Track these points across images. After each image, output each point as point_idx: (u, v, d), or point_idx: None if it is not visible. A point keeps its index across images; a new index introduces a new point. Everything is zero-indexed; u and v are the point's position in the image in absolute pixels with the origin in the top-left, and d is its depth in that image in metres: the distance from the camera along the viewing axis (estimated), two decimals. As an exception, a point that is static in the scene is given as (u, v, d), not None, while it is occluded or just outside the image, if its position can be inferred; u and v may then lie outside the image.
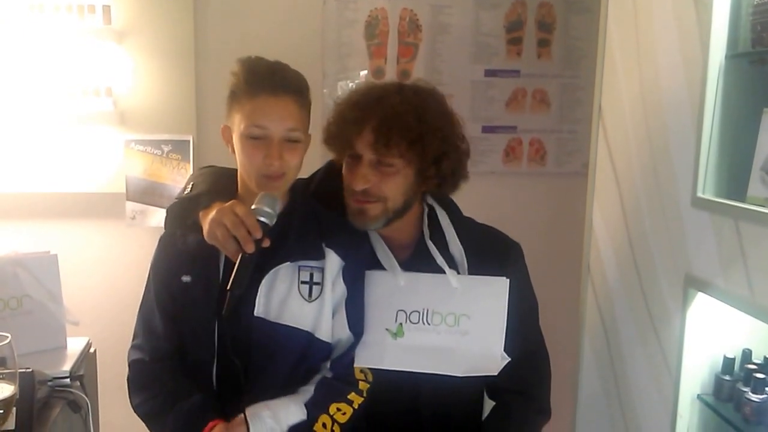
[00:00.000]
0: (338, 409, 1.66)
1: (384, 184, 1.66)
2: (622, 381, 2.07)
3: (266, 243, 1.54)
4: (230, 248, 1.53)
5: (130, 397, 1.72)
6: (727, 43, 1.62)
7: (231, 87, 1.62)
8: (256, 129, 1.56)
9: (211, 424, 1.58)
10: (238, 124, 1.59)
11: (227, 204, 1.57)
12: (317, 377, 1.69)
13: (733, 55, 1.62)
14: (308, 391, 1.66)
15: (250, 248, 1.51)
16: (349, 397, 1.69)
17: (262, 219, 1.54)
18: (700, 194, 1.67)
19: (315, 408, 1.64)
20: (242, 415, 1.58)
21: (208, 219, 1.57)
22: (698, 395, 1.77)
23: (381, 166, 1.66)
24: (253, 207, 1.55)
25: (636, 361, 2.00)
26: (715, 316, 1.71)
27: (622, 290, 2.08)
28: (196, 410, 1.62)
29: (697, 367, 1.76)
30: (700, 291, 1.68)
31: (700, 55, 1.67)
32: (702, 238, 1.67)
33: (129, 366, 1.74)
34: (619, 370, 2.09)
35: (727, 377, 1.71)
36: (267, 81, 1.57)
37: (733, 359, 1.72)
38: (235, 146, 1.63)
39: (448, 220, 1.81)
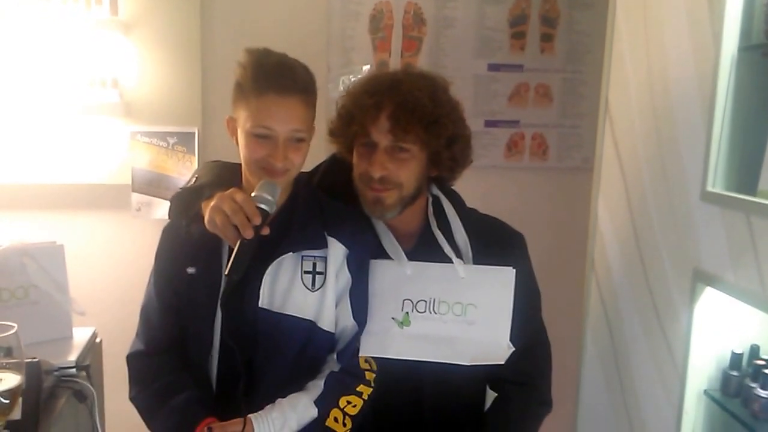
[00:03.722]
0: (348, 402, 1.66)
1: (400, 171, 1.67)
2: (626, 376, 2.07)
3: (266, 231, 1.54)
4: (229, 235, 1.53)
5: (129, 390, 1.72)
6: (739, 35, 1.61)
7: (237, 78, 1.60)
8: (262, 129, 1.55)
9: (205, 420, 1.58)
10: (243, 121, 1.58)
11: (227, 191, 1.57)
12: (325, 372, 1.69)
13: (746, 47, 1.61)
14: (317, 386, 1.66)
15: (249, 234, 1.50)
16: (358, 389, 1.69)
17: (262, 206, 1.54)
18: (710, 188, 1.67)
19: (325, 403, 1.64)
20: (247, 416, 1.57)
21: (208, 207, 1.57)
22: (705, 391, 1.76)
23: (396, 152, 1.66)
24: (253, 194, 1.55)
25: (640, 356, 1.99)
26: (723, 311, 1.71)
27: (627, 285, 2.08)
28: (190, 406, 1.61)
29: (704, 363, 1.75)
30: (709, 285, 1.68)
31: (712, 47, 1.66)
32: (711, 233, 1.67)
33: (127, 359, 1.74)
34: (622, 365, 2.09)
35: (734, 373, 1.71)
36: (275, 80, 1.55)
37: (741, 354, 1.71)
38: (239, 140, 1.63)
39: (453, 210, 1.81)
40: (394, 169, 1.67)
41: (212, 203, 1.56)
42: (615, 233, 2.15)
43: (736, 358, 1.72)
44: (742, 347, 1.73)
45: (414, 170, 1.69)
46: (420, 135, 1.64)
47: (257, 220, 1.52)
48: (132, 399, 1.71)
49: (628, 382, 2.06)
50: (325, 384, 1.65)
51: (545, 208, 3.14)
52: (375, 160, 1.66)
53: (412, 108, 1.62)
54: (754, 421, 1.63)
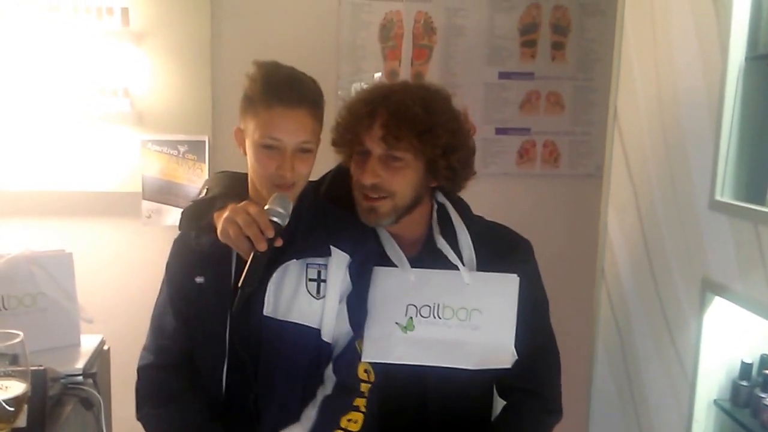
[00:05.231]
0: (349, 420, 1.66)
1: (393, 179, 1.67)
2: (637, 385, 2.06)
3: (278, 242, 1.55)
4: (243, 246, 1.54)
5: (136, 407, 1.73)
6: (747, 45, 1.60)
7: (246, 91, 1.62)
8: (270, 140, 1.58)
9: None
10: (252, 132, 1.60)
11: (241, 203, 1.58)
12: (318, 397, 1.68)
13: (754, 57, 1.60)
14: (310, 417, 1.66)
15: (263, 247, 1.52)
16: (354, 404, 1.68)
17: (275, 219, 1.55)
18: (718, 197, 1.66)
19: (325, 429, 1.64)
20: None
21: (221, 218, 1.58)
22: (715, 400, 1.75)
23: (390, 161, 1.67)
24: (266, 207, 1.57)
25: (651, 366, 1.98)
26: (732, 321, 1.69)
27: (636, 294, 2.06)
28: None
29: (713, 372, 1.74)
30: (717, 295, 1.66)
31: (719, 56, 1.65)
32: (720, 242, 1.65)
33: (137, 372, 1.75)
34: (633, 375, 2.08)
35: (744, 383, 1.69)
36: (284, 93, 1.57)
37: (751, 364, 1.70)
38: (247, 152, 1.65)
39: (459, 218, 1.80)
40: (387, 177, 1.67)
41: (225, 215, 1.57)
42: (624, 241, 2.14)
43: (745, 368, 1.70)
44: (752, 357, 1.71)
45: (408, 179, 1.69)
46: (413, 143, 1.65)
47: (270, 233, 1.53)
48: (140, 418, 1.72)
49: (638, 391, 2.05)
50: (318, 412, 1.65)
51: (557, 215, 3.14)
52: (367, 167, 1.67)
53: (403, 116, 1.63)
54: (764, 431, 1.61)
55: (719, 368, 1.74)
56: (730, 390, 1.74)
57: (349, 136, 1.71)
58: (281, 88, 1.58)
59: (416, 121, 1.64)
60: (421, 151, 1.66)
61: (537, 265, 1.85)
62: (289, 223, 1.65)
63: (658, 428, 1.95)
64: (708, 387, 1.74)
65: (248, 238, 1.52)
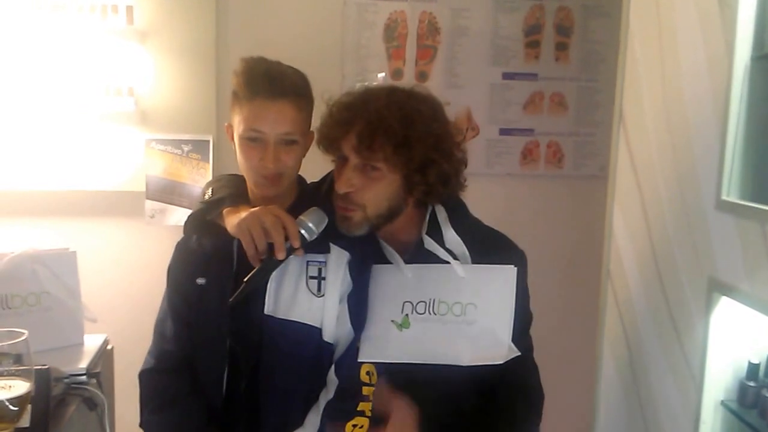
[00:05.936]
0: (354, 425, 1.65)
1: (368, 189, 1.64)
2: (644, 386, 2.05)
3: (299, 253, 1.56)
4: (261, 246, 1.54)
5: (140, 412, 1.74)
6: (752, 45, 1.60)
7: (233, 86, 1.65)
8: (252, 132, 1.59)
9: None
10: (237, 126, 1.63)
11: (270, 207, 1.58)
12: (321, 401, 1.67)
13: (759, 56, 1.59)
14: (314, 423, 1.64)
15: (282, 255, 1.52)
16: (359, 409, 1.67)
17: (303, 232, 1.55)
18: (724, 197, 1.65)
19: None
20: None
21: (239, 214, 1.58)
22: (722, 401, 1.74)
23: (367, 170, 1.63)
24: (299, 218, 1.57)
25: (658, 367, 1.97)
26: (739, 321, 1.68)
27: (643, 294, 2.06)
28: None
29: (720, 373, 1.73)
30: (724, 295, 1.65)
31: (725, 56, 1.64)
32: (726, 242, 1.65)
33: (139, 376, 1.75)
34: (640, 376, 2.07)
35: (751, 383, 1.68)
36: (263, 84, 1.58)
37: (758, 365, 1.68)
38: (235, 146, 1.66)
39: (445, 216, 1.77)
40: (361, 187, 1.64)
41: (253, 210, 1.57)
42: (630, 242, 2.13)
43: (753, 369, 1.69)
44: (759, 357, 1.70)
45: (383, 191, 1.65)
46: (388, 155, 1.60)
47: (296, 243, 1.53)
48: (142, 423, 1.72)
49: (645, 392, 2.04)
50: (323, 418, 1.64)
51: (561, 215, 3.14)
52: (342, 175, 1.64)
53: (378, 128, 1.59)
54: (772, 432, 1.60)
55: (726, 369, 1.73)
56: (737, 390, 1.72)
57: (327, 142, 1.68)
58: (261, 81, 1.59)
59: (391, 134, 1.58)
60: (396, 164, 1.62)
61: (527, 278, 1.80)
62: None
63: (665, 429, 1.94)
64: (715, 387, 1.73)
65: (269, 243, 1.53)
